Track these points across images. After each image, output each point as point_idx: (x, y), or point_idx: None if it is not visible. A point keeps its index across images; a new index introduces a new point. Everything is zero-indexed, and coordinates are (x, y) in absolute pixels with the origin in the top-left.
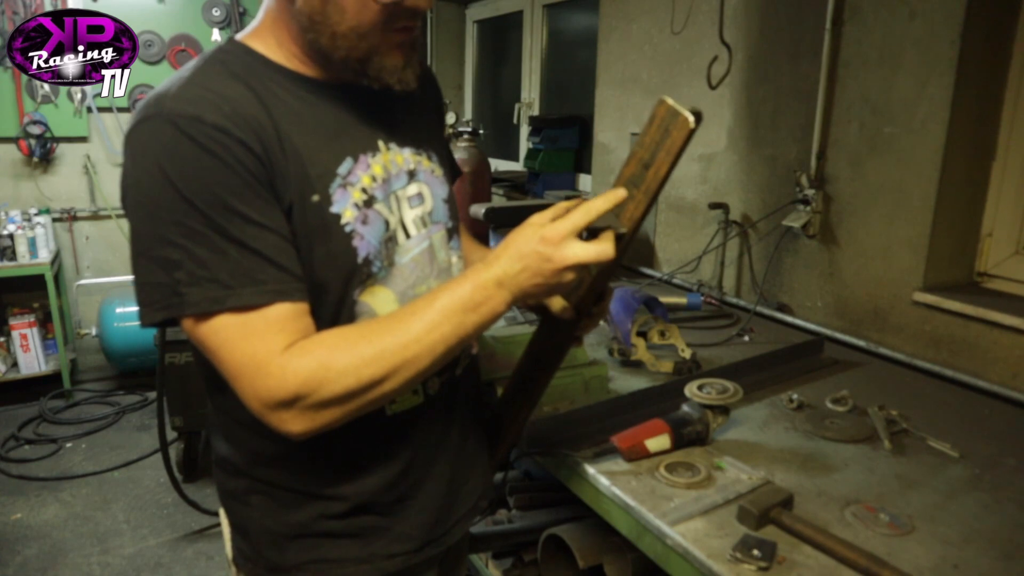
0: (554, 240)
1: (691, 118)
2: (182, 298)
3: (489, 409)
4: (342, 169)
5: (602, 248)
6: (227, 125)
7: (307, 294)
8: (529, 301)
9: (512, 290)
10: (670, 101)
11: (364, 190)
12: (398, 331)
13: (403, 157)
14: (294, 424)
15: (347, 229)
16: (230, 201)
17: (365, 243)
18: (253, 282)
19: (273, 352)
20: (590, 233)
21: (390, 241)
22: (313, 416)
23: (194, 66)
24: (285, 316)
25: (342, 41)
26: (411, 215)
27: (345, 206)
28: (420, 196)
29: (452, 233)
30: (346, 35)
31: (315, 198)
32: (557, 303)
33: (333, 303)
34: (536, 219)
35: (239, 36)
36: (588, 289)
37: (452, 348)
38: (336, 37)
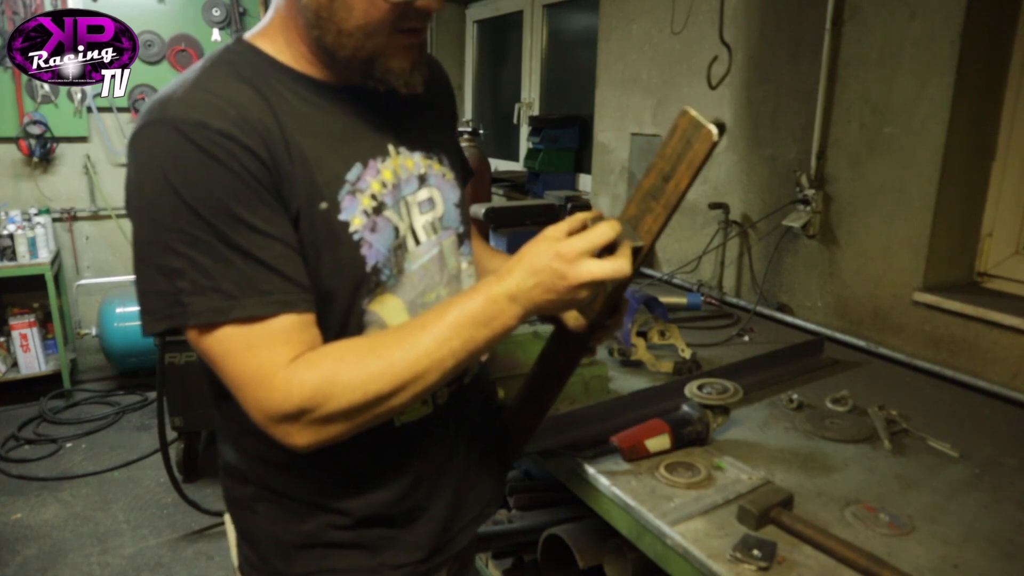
0: (569, 257)
1: (714, 131)
2: (185, 308)
3: (498, 415)
4: (351, 175)
5: (618, 265)
6: (233, 131)
7: (314, 304)
8: (542, 315)
9: (525, 305)
10: (693, 112)
11: (374, 196)
12: (407, 345)
13: (414, 161)
14: (299, 437)
15: (355, 237)
16: (235, 209)
17: (374, 251)
18: (258, 292)
19: (278, 365)
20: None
21: (399, 248)
22: (319, 430)
23: (200, 68)
24: (291, 327)
25: (348, 40)
26: (421, 221)
27: (354, 214)
28: (431, 201)
29: (463, 239)
30: (352, 33)
31: (323, 205)
32: (571, 317)
33: (341, 312)
34: (551, 232)
35: (248, 35)
36: (603, 302)
37: (462, 362)
38: (342, 35)
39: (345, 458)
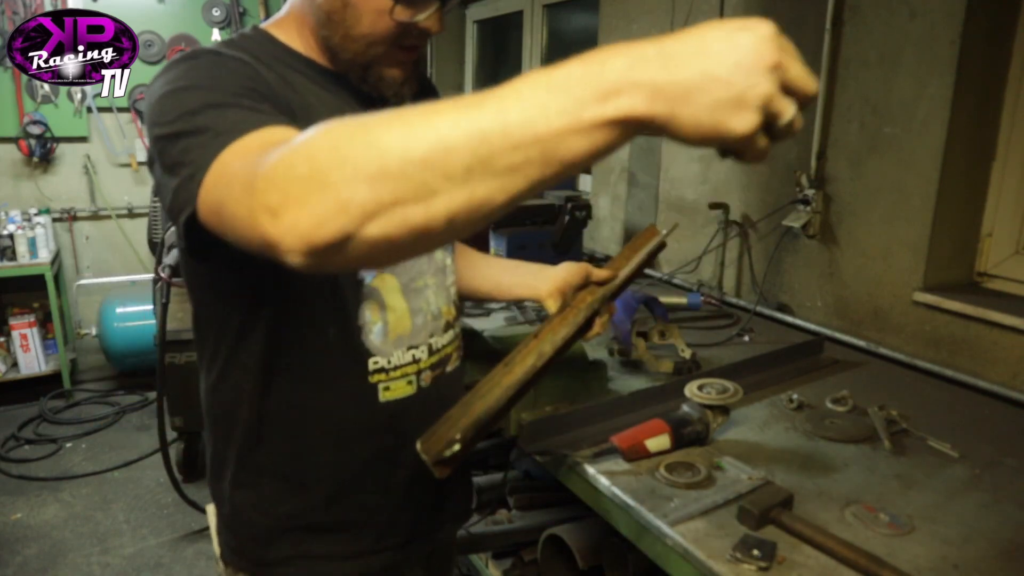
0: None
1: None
2: (192, 179)
3: None
4: None
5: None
6: (251, 63)
7: None
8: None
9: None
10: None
11: None
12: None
13: None
14: (296, 214)
15: None
16: (243, 90)
17: None
18: (259, 122)
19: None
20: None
21: None
22: (321, 198)
23: (217, 44)
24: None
25: (351, 44)
26: None
27: None
28: None
29: None
30: (356, 39)
31: None
32: (552, 303)
33: (341, 286)
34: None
35: (263, 25)
36: (613, 292)
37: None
38: (347, 39)
39: (324, 424)
